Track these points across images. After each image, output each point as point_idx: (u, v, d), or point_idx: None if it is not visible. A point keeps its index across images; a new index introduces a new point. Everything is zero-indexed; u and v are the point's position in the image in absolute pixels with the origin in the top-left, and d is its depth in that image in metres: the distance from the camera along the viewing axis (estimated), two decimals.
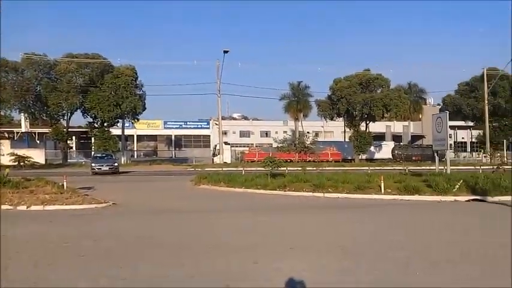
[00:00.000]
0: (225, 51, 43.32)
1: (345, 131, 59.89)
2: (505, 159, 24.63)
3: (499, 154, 24.14)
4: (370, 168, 31.13)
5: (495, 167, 19.59)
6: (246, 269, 5.90)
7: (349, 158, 53.46)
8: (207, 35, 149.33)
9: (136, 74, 45.95)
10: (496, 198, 14.22)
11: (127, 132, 54.35)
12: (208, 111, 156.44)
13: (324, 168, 32.74)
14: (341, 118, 57.04)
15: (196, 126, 74.64)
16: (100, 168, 30.06)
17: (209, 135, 69.52)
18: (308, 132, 56.80)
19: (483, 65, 49.69)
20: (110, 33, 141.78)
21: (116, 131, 48.27)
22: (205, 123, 73.73)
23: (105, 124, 46.20)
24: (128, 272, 5.72)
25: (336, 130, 70.02)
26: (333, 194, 15.81)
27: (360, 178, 18.02)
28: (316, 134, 60.20)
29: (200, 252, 6.88)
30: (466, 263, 6.22)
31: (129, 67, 45.69)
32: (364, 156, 54.35)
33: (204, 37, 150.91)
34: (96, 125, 46.62)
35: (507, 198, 14.28)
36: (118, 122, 47.62)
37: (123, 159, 45.09)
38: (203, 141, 71.71)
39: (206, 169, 33.64)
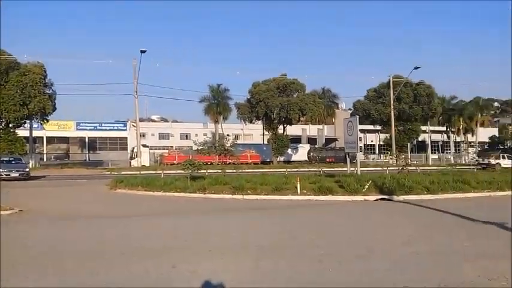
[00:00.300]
0: (142, 51, 42.15)
1: (263, 133, 61.06)
2: (409, 160, 26.69)
3: (403, 156, 26.06)
4: (288, 170, 32.10)
5: (400, 168, 21.13)
6: (164, 273, 5.82)
7: (268, 160, 54.61)
8: (124, 34, 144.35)
9: (45, 72, 43.07)
10: (401, 197, 15.37)
11: (36, 133, 50.75)
12: (125, 113, 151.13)
13: (244, 170, 33.17)
14: (260, 121, 58.08)
15: (112, 128, 71.65)
16: (9, 174, 27.40)
17: (126, 138, 67.14)
18: (228, 135, 57.06)
19: (389, 73, 53.41)
20: (15, 28, 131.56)
21: (23, 132, 44.90)
22: (122, 125, 71.11)
23: (10, 125, 42.78)
24: (31, 284, 5.38)
25: (255, 133, 71.14)
26: (252, 195, 16.08)
27: (277, 180, 18.51)
28: (236, 137, 60.63)
29: (115, 258, 6.66)
30: (373, 258, 6.66)
31: (38, 64, 42.69)
32: (281, 159, 55.79)
33: (120, 36, 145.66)
34: (1, 126, 43.02)
35: (411, 197, 15.51)
36: (25, 122, 44.33)
37: (31, 163, 42.01)
38: (120, 144, 69.06)
39: (123, 172, 32.46)
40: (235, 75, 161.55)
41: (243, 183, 17.35)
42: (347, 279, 5.52)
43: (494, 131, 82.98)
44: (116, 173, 33.06)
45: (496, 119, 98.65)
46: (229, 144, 50.71)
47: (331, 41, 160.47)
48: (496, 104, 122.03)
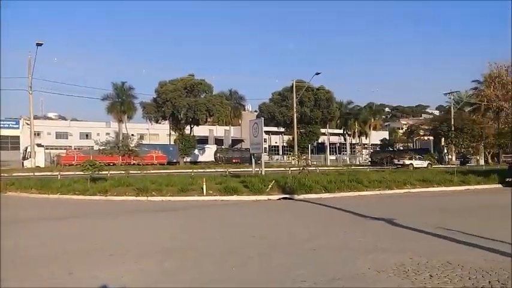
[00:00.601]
0: (38, 44, 39.27)
1: (170, 134, 60.07)
2: (309, 161, 28.02)
3: (304, 157, 27.26)
4: (194, 170, 31.94)
5: (301, 168, 22.10)
6: (59, 281, 5.51)
7: (174, 161, 53.85)
8: (19, 25, 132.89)
9: None
10: (302, 196, 16.13)
11: None
12: (18, 110, 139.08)
13: (149, 171, 32.32)
14: (166, 121, 57.08)
15: (3, 125, 65.54)
16: None
17: (19, 136, 61.80)
18: (132, 135, 55.25)
19: (293, 77, 55.71)
20: None
21: None
22: (14, 123, 65.32)
23: None
24: None
25: (162, 133, 69.72)
26: (157, 197, 15.80)
27: (183, 181, 18.39)
28: (141, 137, 58.91)
29: (4, 268, 6.15)
30: (275, 255, 6.93)
31: None
32: (188, 159, 55.36)
33: (14, 28, 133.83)
34: None
35: (311, 196, 16.34)
36: None
37: None
38: (11, 143, 63.32)
39: (14, 174, 29.88)
40: (141, 73, 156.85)
41: (147, 184, 16.97)
42: (249, 277, 5.69)
43: (385, 134, 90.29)
44: (6, 175, 30.30)
45: (386, 123, 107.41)
46: (133, 145, 48.98)
47: (239, 43, 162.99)
48: (387, 109, 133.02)
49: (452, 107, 59.90)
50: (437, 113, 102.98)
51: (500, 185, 22.37)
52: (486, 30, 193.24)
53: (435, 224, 9.59)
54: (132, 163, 46.04)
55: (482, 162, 55.02)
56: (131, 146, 47.51)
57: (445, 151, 60.84)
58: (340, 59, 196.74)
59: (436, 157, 55.15)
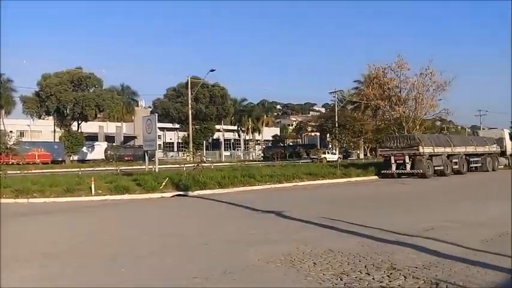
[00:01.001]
0: None
1: (54, 130, 55.92)
2: (204, 157, 28.13)
3: (199, 153, 27.29)
4: (82, 169, 30.06)
5: (195, 164, 22.10)
6: None
7: (60, 159, 50.25)
8: None
9: None
10: (196, 193, 16.17)
11: None
12: None
13: (30, 171, 29.72)
14: (51, 117, 53.01)
15: None
16: None
17: None
18: (11, 131, 50.41)
19: (188, 73, 55.23)
20: None
21: None
22: None
23: None
24: None
25: (45, 130, 64.51)
26: (40, 198, 14.67)
27: (70, 180, 17.29)
28: (22, 134, 54.10)
29: None
30: (166, 252, 6.88)
31: None
32: (76, 157, 52.06)
33: None
34: None
35: (205, 192, 16.45)
36: None
37: None
38: None
39: None
40: (22, 64, 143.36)
41: (28, 185, 15.65)
42: (138, 277, 5.59)
43: (276, 131, 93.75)
44: None
45: (278, 120, 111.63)
46: (12, 142, 44.82)
47: (133, 36, 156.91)
48: (278, 106, 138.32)
49: (336, 105, 64.34)
50: (323, 110, 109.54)
51: (376, 177, 24.66)
52: (365, 32, 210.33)
53: (320, 214, 10.28)
54: (10, 162, 41.99)
55: (362, 156, 60.03)
56: (9, 143, 43.39)
57: (330, 146, 65.18)
58: (235, 57, 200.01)
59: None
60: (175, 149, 76.69)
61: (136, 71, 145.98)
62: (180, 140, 69.62)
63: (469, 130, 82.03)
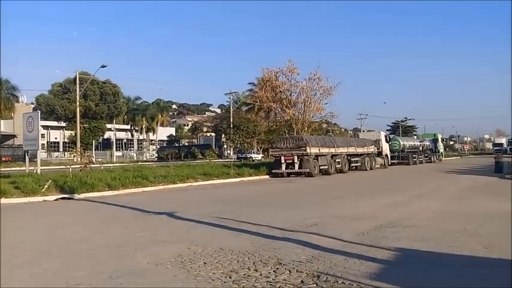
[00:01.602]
0: None
1: None
2: (93, 158, 26.66)
3: (88, 153, 25.80)
4: None
5: (83, 165, 20.87)
6: None
7: None
8: None
9: None
10: (83, 195, 15.27)
11: None
12: None
13: None
14: None
15: None
16: None
17: None
18: None
19: (77, 68, 51.72)
20: None
21: None
22: None
23: None
24: None
25: None
26: None
27: None
28: None
29: None
30: (48, 259, 6.40)
31: None
32: None
33: None
34: None
35: (93, 194, 15.60)
36: None
37: None
38: None
39: None
40: None
41: None
42: (16, 285, 5.15)
43: (172, 130, 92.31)
44: None
45: (173, 120, 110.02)
46: None
47: (13, 26, 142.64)
48: (174, 106, 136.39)
49: (231, 106, 65.30)
50: (219, 111, 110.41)
51: (268, 176, 25.55)
52: (261, 36, 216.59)
53: (212, 214, 10.38)
54: None
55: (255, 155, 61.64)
56: None
57: (225, 146, 65.98)
58: (130, 54, 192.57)
59: (216, 152, 59.26)
60: (61, 149, 71.61)
61: (18, 65, 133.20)
62: (66, 140, 65.17)
63: (351, 132, 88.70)
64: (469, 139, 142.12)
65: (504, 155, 37.10)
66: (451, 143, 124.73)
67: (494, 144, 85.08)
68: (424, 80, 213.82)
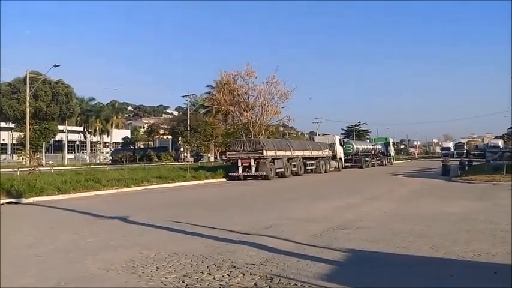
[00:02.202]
0: None
1: None
2: (42, 161, 25.66)
3: (37, 156, 24.82)
4: None
5: (32, 168, 20.02)
6: None
7: None
8: None
9: None
10: (31, 200, 14.67)
11: None
12: None
13: None
14: None
15: None
16: None
17: None
18: None
19: (27, 68, 49.53)
20: None
21: None
22: None
23: None
24: None
25: None
26: None
27: None
28: None
29: None
30: None
31: None
32: None
33: None
34: None
35: (42, 198, 15.02)
36: None
37: None
38: None
39: None
40: None
41: None
42: None
43: (127, 133, 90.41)
44: None
45: (129, 122, 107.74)
46: None
47: None
48: (130, 108, 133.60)
49: (189, 109, 64.78)
50: (176, 113, 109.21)
51: (225, 179, 25.52)
52: (220, 38, 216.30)
53: (167, 217, 10.25)
54: None
55: (212, 159, 61.36)
56: None
57: (182, 149, 65.30)
58: (84, 54, 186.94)
59: (173, 155, 58.56)
60: (9, 151, 68.40)
61: None
62: (15, 142, 62.35)
63: (307, 136, 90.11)
64: (418, 143, 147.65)
65: (451, 159, 38.97)
66: (402, 146, 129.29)
67: (442, 148, 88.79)
68: (377, 85, 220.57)
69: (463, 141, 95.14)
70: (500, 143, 69.91)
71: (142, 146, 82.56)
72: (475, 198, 14.41)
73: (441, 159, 36.52)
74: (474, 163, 35.67)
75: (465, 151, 71.67)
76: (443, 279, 5.27)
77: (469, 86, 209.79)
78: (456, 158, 49.96)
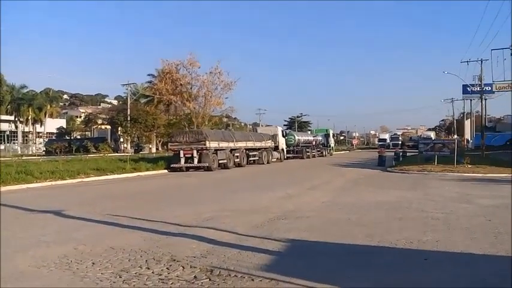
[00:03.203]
0: None
1: None
2: None
3: None
4: None
5: None
6: None
7: None
8: None
9: None
10: None
11: None
12: None
13: None
14: None
15: None
16: None
17: None
18: None
19: None
20: None
21: None
22: None
23: None
24: None
25: None
26: None
27: None
28: None
29: None
30: None
31: None
32: None
33: None
34: None
35: None
36: None
37: None
38: None
39: None
40: None
41: None
42: None
43: (62, 122, 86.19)
44: None
45: (64, 111, 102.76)
46: None
47: None
48: (65, 96, 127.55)
49: (129, 98, 62.88)
50: (115, 102, 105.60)
51: (166, 170, 25.10)
52: (161, 27, 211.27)
53: (104, 211, 9.93)
54: None
55: (154, 150, 60.14)
56: None
57: (121, 140, 63.41)
58: (17, 39, 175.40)
59: (112, 146, 56.77)
60: None
61: None
62: None
63: (250, 127, 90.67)
64: (357, 134, 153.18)
65: (387, 150, 40.76)
66: (341, 138, 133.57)
67: (379, 140, 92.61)
68: (318, 77, 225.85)
69: (398, 133, 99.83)
70: (432, 134, 74.10)
71: (79, 137, 79.19)
72: (408, 188, 15.16)
73: (378, 150, 38.07)
74: (408, 154, 37.55)
75: (400, 142, 75.19)
76: (377, 267, 5.51)
77: (405, 81, 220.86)
78: (392, 149, 52.30)
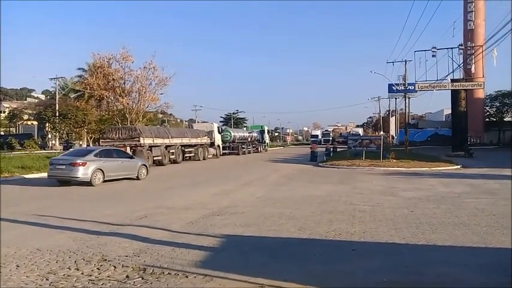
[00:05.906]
0: None
1: None
2: None
3: None
4: None
5: None
6: None
7: None
8: None
9: None
10: None
11: None
12: None
13: None
14: None
15: None
16: None
17: None
18: None
19: None
20: None
21: None
22: None
23: None
24: None
25: None
26: None
27: None
28: None
29: None
30: None
31: None
32: None
33: None
34: None
35: None
36: None
37: None
38: None
39: None
40: None
41: None
42: None
43: None
44: None
45: None
46: None
47: None
48: None
49: (57, 93, 59.77)
50: (43, 97, 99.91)
51: None
52: (92, 18, 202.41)
53: (30, 211, 9.45)
54: None
55: (84, 146, 57.66)
56: None
57: (49, 136, 60.24)
58: None
59: (39, 143, 53.76)
60: None
61: None
62: None
63: (186, 123, 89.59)
64: (291, 131, 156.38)
65: (318, 146, 42.07)
66: (276, 134, 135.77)
67: (311, 136, 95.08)
68: (254, 75, 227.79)
69: (329, 129, 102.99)
70: (360, 131, 77.31)
71: (2, 133, 74.10)
72: (338, 182, 15.79)
73: (310, 146, 39.16)
74: (338, 149, 39.01)
75: (331, 138, 77.69)
76: (307, 259, 5.74)
77: (337, 80, 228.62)
78: (323, 144, 54.02)
